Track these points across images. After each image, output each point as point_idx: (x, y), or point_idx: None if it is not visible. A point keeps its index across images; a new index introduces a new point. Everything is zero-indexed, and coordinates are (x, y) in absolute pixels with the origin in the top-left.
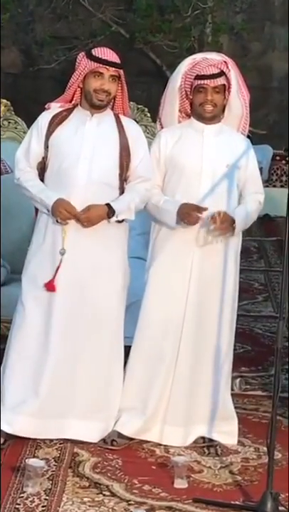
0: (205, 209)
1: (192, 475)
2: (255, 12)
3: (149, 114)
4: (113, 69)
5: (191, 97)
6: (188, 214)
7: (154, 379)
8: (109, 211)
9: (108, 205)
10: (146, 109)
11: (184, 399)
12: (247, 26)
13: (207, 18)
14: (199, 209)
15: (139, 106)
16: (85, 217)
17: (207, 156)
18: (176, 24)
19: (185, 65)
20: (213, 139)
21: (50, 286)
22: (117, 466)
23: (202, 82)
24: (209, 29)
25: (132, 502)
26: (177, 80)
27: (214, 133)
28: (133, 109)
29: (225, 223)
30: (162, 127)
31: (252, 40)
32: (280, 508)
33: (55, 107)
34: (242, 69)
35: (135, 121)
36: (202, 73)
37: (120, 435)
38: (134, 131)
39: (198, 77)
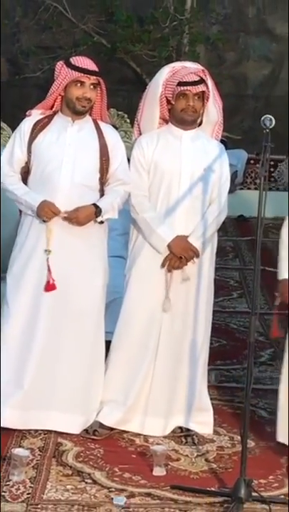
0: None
1: (170, 463)
2: (230, 23)
3: (128, 120)
4: (94, 77)
5: (173, 103)
6: (185, 250)
7: (135, 372)
8: (97, 211)
9: (95, 205)
10: (126, 116)
11: (163, 391)
12: (222, 37)
13: (184, 29)
14: None
15: (120, 112)
16: (74, 219)
17: (186, 161)
18: (155, 35)
19: (165, 73)
20: (190, 144)
21: (49, 287)
22: (98, 455)
23: (185, 88)
24: (186, 39)
25: (113, 489)
26: (158, 87)
27: (191, 138)
28: (113, 116)
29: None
30: (140, 133)
31: (227, 50)
32: (253, 493)
33: (36, 114)
34: (218, 77)
35: (115, 127)
36: (184, 80)
37: (102, 426)
38: (112, 136)
39: (181, 83)
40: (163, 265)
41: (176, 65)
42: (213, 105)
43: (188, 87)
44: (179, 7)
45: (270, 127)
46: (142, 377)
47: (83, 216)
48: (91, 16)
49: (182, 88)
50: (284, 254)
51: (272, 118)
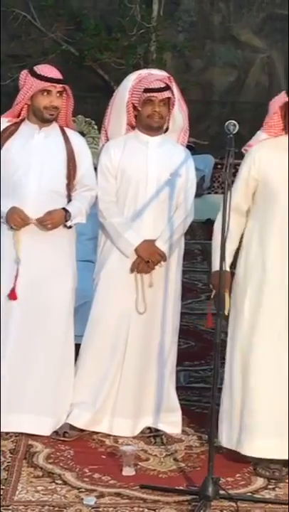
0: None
1: (139, 463)
2: (196, 31)
3: (96, 127)
4: (59, 85)
5: (139, 109)
6: (152, 254)
7: (104, 374)
8: (66, 215)
9: (64, 209)
10: (93, 122)
11: (131, 392)
12: (189, 44)
13: (151, 37)
14: None
15: (87, 119)
16: (49, 221)
17: (152, 166)
18: (122, 42)
19: (131, 80)
20: (157, 150)
21: (11, 296)
22: (68, 456)
23: (151, 94)
24: (154, 47)
25: (83, 489)
26: (125, 94)
27: (158, 144)
28: (81, 122)
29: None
30: (107, 139)
31: (194, 57)
32: (221, 491)
33: (3, 122)
34: (185, 84)
35: (83, 133)
36: (150, 87)
37: (72, 427)
38: (79, 142)
39: (147, 90)
40: (132, 270)
41: (143, 72)
42: (179, 111)
43: (154, 94)
44: (146, 15)
45: (234, 132)
46: (110, 378)
47: (56, 219)
48: (59, 24)
49: (148, 94)
50: (215, 246)
51: (236, 123)
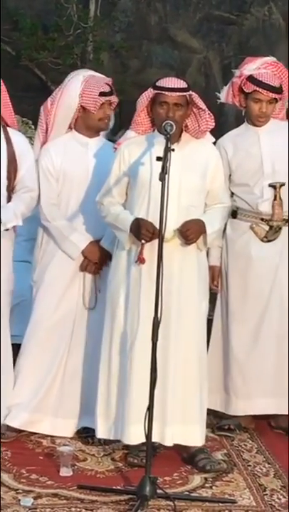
0: None
1: (77, 463)
2: (133, 31)
3: (33, 127)
4: None
5: (94, 112)
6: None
7: (43, 375)
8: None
9: None
10: (30, 122)
11: (74, 392)
12: (126, 45)
13: (88, 36)
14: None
15: (24, 119)
16: None
17: (92, 168)
18: (59, 42)
19: (78, 83)
20: (96, 151)
21: None
22: (6, 457)
23: (106, 98)
24: (91, 47)
25: (20, 491)
26: (75, 97)
27: (96, 145)
28: (18, 122)
29: None
30: (45, 139)
31: (131, 57)
32: (158, 491)
33: None
34: (122, 84)
35: None
36: (102, 90)
37: (9, 428)
38: (20, 143)
39: (102, 93)
40: (81, 270)
41: (86, 73)
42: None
43: (110, 97)
44: (82, 15)
45: (171, 133)
46: (50, 379)
47: None
48: None
49: (106, 98)
50: None
51: (173, 124)
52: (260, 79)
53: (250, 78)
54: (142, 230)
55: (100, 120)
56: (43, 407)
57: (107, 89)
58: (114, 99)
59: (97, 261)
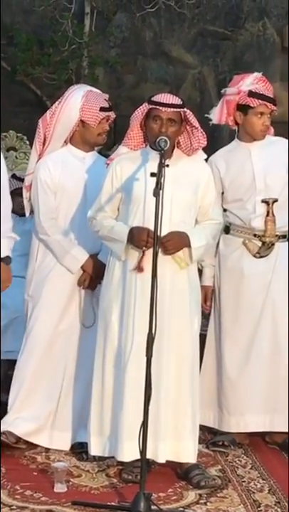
0: None
1: (71, 479)
2: (128, 47)
3: (28, 142)
4: None
5: (93, 127)
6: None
7: (46, 388)
8: None
9: None
10: (25, 137)
11: (72, 406)
12: (120, 60)
13: (83, 52)
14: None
15: (18, 134)
16: None
17: (90, 181)
18: (54, 58)
19: (79, 98)
20: (92, 166)
21: None
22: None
23: (106, 113)
24: (86, 62)
25: (15, 507)
26: (75, 111)
27: (91, 159)
28: (13, 138)
29: None
30: (42, 153)
31: (125, 72)
32: (153, 507)
33: None
34: (117, 99)
35: (14, 149)
36: (103, 105)
37: (12, 434)
38: None
39: (102, 109)
40: (79, 284)
41: (86, 88)
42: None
43: (109, 113)
44: (77, 31)
45: (165, 148)
46: (51, 392)
47: None
48: None
49: (105, 113)
50: None
51: (167, 139)
52: (262, 93)
53: (252, 93)
54: (142, 237)
55: (99, 135)
56: (43, 419)
57: (106, 104)
58: (112, 115)
59: (95, 275)
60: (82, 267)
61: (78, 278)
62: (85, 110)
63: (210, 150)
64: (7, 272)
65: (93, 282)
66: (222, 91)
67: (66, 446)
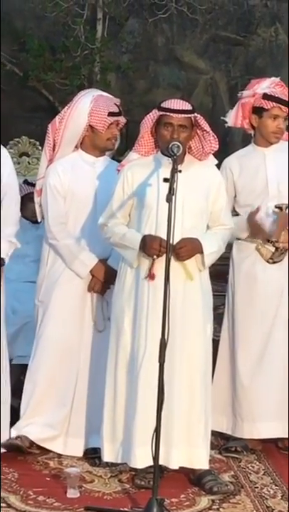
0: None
1: (84, 485)
2: (140, 52)
3: (40, 148)
4: None
5: (102, 132)
6: (108, 274)
7: (59, 394)
8: None
9: None
10: (37, 143)
11: (85, 412)
12: (132, 65)
13: (95, 57)
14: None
15: (31, 140)
16: None
17: (99, 186)
18: (66, 63)
19: (88, 102)
20: (103, 171)
21: None
22: (13, 479)
23: (115, 118)
24: (98, 68)
25: None
26: (84, 116)
27: (101, 165)
28: (25, 143)
29: None
30: (52, 158)
31: (137, 78)
32: None
33: None
34: (129, 105)
35: (27, 154)
36: (111, 110)
37: (27, 438)
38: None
39: (111, 114)
40: (89, 290)
41: (95, 93)
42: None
43: (119, 118)
44: (89, 36)
45: (178, 154)
46: (65, 398)
47: None
48: (3, 45)
49: (114, 118)
50: None
51: (180, 144)
52: (278, 95)
53: (266, 96)
54: (154, 245)
55: (108, 140)
56: (58, 425)
57: (115, 109)
58: (122, 119)
59: (105, 280)
60: (91, 272)
61: (88, 283)
62: (93, 115)
63: (222, 155)
64: None
65: (103, 287)
66: (238, 94)
67: (79, 452)
